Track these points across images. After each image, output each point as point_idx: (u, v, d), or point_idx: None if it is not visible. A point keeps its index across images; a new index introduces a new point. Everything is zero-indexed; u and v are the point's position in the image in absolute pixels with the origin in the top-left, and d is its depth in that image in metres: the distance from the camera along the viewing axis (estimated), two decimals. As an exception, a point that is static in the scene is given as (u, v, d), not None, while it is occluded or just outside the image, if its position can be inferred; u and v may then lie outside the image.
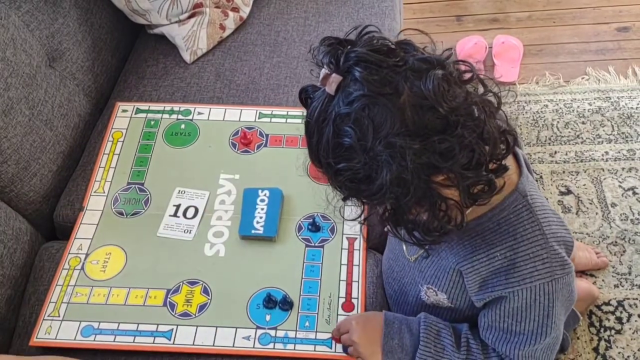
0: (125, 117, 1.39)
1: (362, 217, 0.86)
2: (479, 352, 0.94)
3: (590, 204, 1.66)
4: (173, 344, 1.06)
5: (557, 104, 1.90)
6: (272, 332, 1.07)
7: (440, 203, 0.76)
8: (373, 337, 0.97)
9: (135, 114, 1.39)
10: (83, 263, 1.16)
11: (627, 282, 1.52)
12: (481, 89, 0.78)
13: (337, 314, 1.09)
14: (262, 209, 1.20)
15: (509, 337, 0.91)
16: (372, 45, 0.74)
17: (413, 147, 0.70)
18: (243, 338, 1.06)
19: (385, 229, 0.88)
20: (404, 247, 1.04)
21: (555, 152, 1.78)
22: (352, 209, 0.87)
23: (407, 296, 1.07)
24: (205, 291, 1.12)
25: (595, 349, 1.42)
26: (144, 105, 1.41)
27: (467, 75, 0.76)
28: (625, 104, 1.88)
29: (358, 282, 1.13)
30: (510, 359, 0.92)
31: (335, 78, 0.73)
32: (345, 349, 1.03)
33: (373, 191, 0.73)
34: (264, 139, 1.33)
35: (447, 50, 0.77)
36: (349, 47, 0.75)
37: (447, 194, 0.76)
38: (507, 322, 0.89)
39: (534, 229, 0.85)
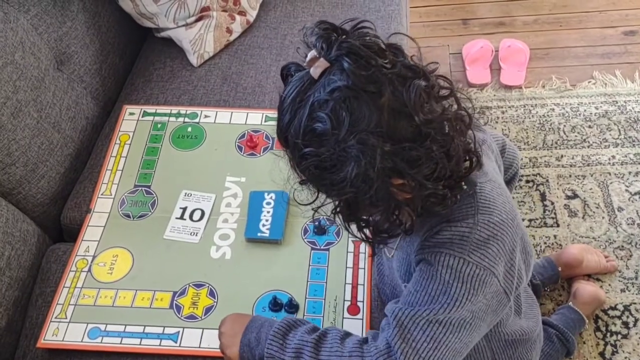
0: (132, 120, 1.39)
1: (315, 205, 0.84)
2: (337, 338, 0.88)
3: (597, 208, 1.66)
4: (179, 346, 1.07)
5: (564, 108, 1.90)
6: (278, 335, 1.07)
7: (394, 206, 0.78)
8: (238, 330, 0.96)
9: (142, 116, 1.40)
10: (90, 265, 1.17)
11: (633, 286, 1.51)
12: (456, 106, 0.79)
13: (343, 317, 1.09)
14: (268, 212, 1.20)
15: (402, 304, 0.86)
16: (365, 40, 0.75)
17: (384, 148, 0.72)
18: (249, 341, 1.06)
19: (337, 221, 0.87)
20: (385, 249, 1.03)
21: (562, 156, 1.78)
22: (308, 195, 0.84)
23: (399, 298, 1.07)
24: (212, 294, 1.13)
25: (602, 354, 1.42)
26: (151, 108, 1.42)
27: (445, 92, 0.78)
28: (632, 107, 1.88)
29: (364, 285, 1.13)
30: (387, 325, 0.86)
31: (322, 63, 0.74)
32: None
33: (335, 182, 0.74)
34: (270, 142, 1.34)
35: (433, 63, 0.79)
36: (343, 36, 0.76)
37: (402, 199, 0.78)
38: (410, 288, 0.86)
39: (468, 211, 0.84)
